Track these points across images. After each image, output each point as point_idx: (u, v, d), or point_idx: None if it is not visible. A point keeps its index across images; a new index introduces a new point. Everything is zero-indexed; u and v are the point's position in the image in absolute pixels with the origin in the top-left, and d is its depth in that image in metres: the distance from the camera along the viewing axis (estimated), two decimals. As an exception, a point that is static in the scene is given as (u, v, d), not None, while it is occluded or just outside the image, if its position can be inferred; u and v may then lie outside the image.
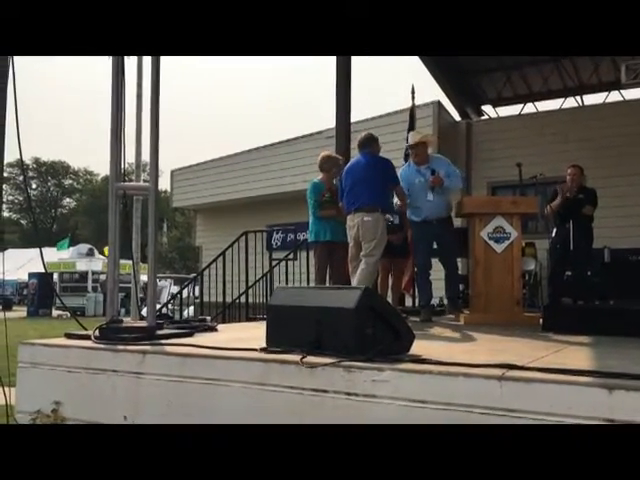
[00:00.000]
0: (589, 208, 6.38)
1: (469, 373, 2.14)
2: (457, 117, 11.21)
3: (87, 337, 3.20)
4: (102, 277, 24.70)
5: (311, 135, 11.53)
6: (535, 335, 3.70)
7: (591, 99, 11.18)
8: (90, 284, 25.69)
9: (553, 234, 6.67)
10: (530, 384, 2.01)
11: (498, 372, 2.10)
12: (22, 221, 54.22)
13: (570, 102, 11.23)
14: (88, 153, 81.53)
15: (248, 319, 6.89)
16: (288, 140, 12.43)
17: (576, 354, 2.79)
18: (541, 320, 4.07)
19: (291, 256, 7.75)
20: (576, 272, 6.52)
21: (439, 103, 10.07)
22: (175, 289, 16.33)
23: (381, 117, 10.53)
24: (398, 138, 8.88)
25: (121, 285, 3.86)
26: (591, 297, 6.24)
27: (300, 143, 11.83)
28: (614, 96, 10.75)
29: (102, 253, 26.22)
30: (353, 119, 7.01)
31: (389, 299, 5.55)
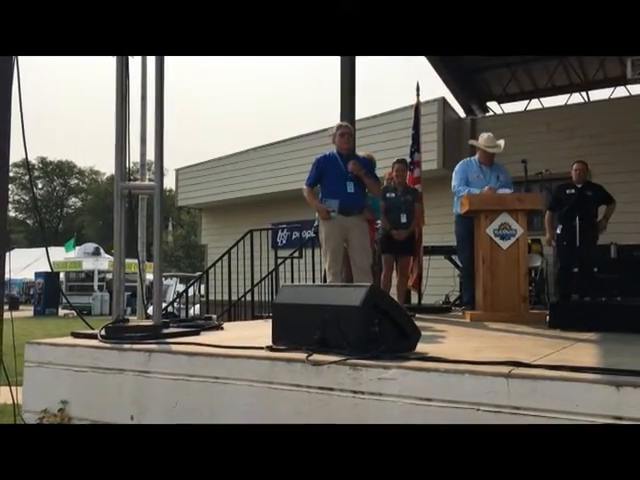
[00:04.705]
0: (603, 221, 6.57)
1: (476, 371, 2.12)
2: (462, 114, 11.17)
3: (93, 336, 3.21)
4: (108, 276, 24.82)
5: (316, 133, 11.52)
6: (542, 332, 3.68)
7: (597, 95, 11.15)
8: (96, 283, 25.81)
9: (558, 230, 6.66)
10: (537, 381, 2.00)
11: (505, 369, 2.09)
12: (28, 221, 54.43)
13: (576, 98, 11.20)
14: (94, 152, 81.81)
15: (254, 317, 6.90)
16: (292, 138, 12.43)
17: (583, 351, 2.78)
18: (548, 317, 4.05)
19: (296, 254, 7.76)
20: (583, 269, 6.51)
21: (444, 100, 10.04)
22: (181, 288, 16.38)
23: (384, 115, 10.51)
24: (400, 136, 8.88)
25: (127, 284, 3.87)
26: (598, 294, 6.22)
27: (305, 141, 11.81)
28: (620, 91, 10.71)
29: (108, 252, 26.33)
30: (357, 117, 6.98)
31: (394, 296, 5.56)
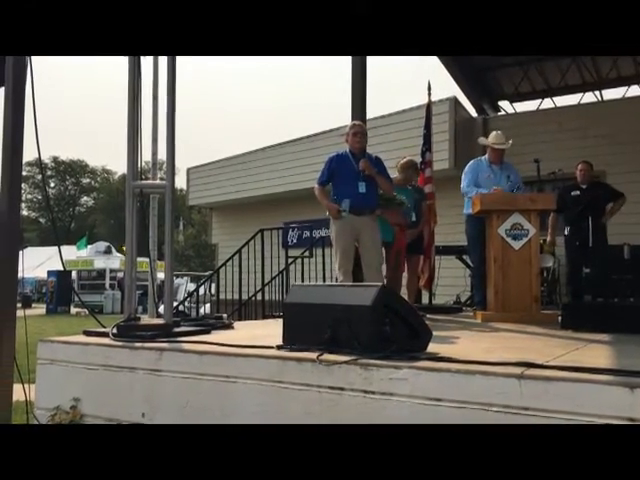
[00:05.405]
0: (615, 207, 6.47)
1: (487, 371, 2.11)
2: (473, 113, 11.11)
3: (105, 334, 3.23)
4: (120, 275, 24.97)
5: (327, 132, 11.51)
6: (554, 333, 3.66)
7: (610, 94, 11.05)
8: (108, 282, 25.99)
9: (566, 232, 6.62)
10: (550, 382, 1.98)
11: (518, 370, 2.07)
12: (41, 219, 54.90)
13: (589, 97, 11.10)
14: (106, 152, 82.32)
15: (264, 316, 6.90)
16: (303, 137, 12.42)
17: (596, 352, 2.76)
18: (560, 318, 4.03)
19: (307, 253, 7.76)
20: (595, 269, 6.46)
21: (455, 99, 9.99)
22: (191, 287, 16.42)
23: (394, 115, 10.48)
24: (411, 135, 8.86)
25: (138, 283, 3.89)
26: (611, 294, 6.17)
27: (316, 140, 11.81)
28: (634, 90, 10.61)
29: (119, 251, 26.48)
30: (368, 116, 6.97)
31: (404, 296, 5.54)
